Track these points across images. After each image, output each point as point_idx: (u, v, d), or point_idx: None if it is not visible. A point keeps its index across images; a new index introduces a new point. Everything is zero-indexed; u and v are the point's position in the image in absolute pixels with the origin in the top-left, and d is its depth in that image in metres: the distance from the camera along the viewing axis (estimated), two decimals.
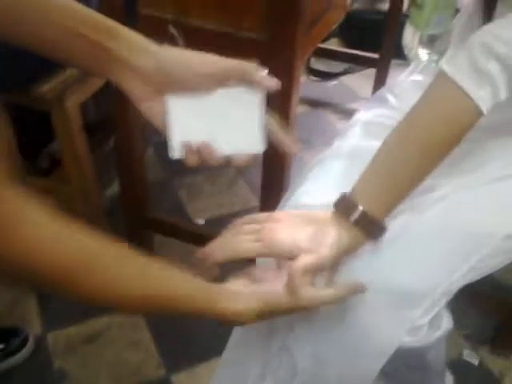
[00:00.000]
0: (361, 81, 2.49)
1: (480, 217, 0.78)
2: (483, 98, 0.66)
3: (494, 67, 0.66)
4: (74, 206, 1.51)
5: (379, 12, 2.61)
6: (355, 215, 0.69)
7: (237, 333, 0.91)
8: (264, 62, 1.07)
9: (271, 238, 0.68)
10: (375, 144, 0.91)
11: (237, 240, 0.70)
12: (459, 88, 0.66)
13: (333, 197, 0.83)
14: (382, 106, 1.01)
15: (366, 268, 0.73)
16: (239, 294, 0.65)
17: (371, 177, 0.72)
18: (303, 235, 0.69)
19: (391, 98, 1.02)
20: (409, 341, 0.74)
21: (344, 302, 0.72)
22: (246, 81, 0.66)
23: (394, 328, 0.73)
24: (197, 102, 0.65)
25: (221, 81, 0.65)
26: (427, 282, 0.74)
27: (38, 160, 1.70)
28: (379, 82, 2.08)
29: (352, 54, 2.35)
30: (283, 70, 1.02)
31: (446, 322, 0.79)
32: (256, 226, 0.71)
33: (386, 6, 2.46)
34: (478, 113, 0.67)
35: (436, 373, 0.89)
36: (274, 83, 0.66)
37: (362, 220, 0.69)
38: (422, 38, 0.99)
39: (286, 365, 0.81)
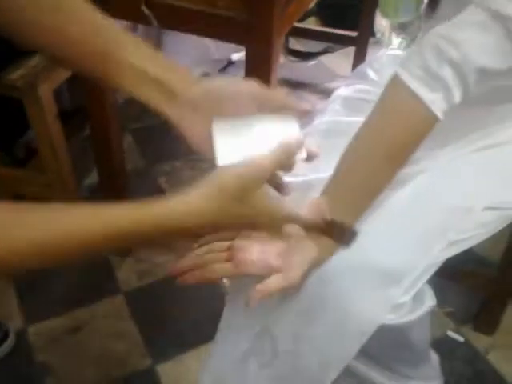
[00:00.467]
0: (340, 60, 2.47)
1: (458, 189, 0.78)
2: (436, 102, 0.66)
3: (446, 71, 0.66)
4: (50, 195, 1.48)
5: None
6: (324, 225, 0.68)
7: (226, 314, 0.90)
8: (241, 41, 1.06)
9: (241, 258, 0.68)
10: (356, 119, 0.91)
11: (208, 259, 0.68)
12: (412, 92, 0.67)
13: (311, 174, 0.82)
14: (361, 82, 1.01)
15: (345, 249, 0.72)
16: (186, 191, 0.57)
17: (337, 184, 0.72)
18: (273, 252, 0.68)
19: (371, 73, 1.02)
20: (391, 318, 0.73)
21: (323, 282, 0.72)
22: (283, 107, 0.67)
23: (375, 306, 0.73)
24: (240, 126, 0.67)
25: (261, 105, 0.66)
26: (407, 259, 0.73)
27: (14, 150, 1.67)
28: (358, 61, 2.07)
29: (330, 33, 2.34)
30: (261, 48, 1.01)
31: (429, 299, 0.79)
32: (225, 244, 0.70)
33: None
34: (433, 117, 0.67)
35: (420, 351, 0.89)
36: (308, 107, 0.68)
37: (331, 229, 0.69)
38: (393, 25, 0.98)
39: (268, 346, 0.81)
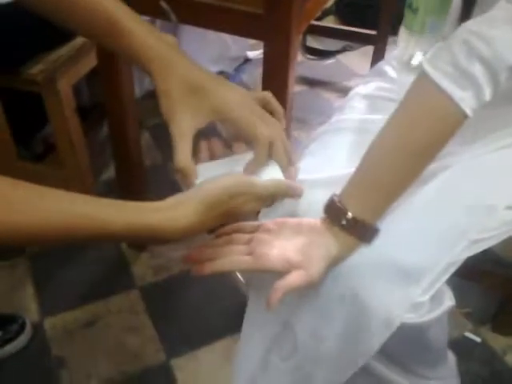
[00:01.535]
0: (358, 58, 2.46)
1: (481, 188, 0.77)
2: (466, 99, 0.64)
3: (477, 68, 0.64)
4: (68, 190, 1.48)
5: None
6: (345, 222, 0.68)
7: (249, 311, 0.90)
8: (259, 37, 1.05)
9: (261, 253, 0.67)
10: (376, 117, 0.90)
11: (227, 251, 0.68)
12: (441, 89, 0.65)
13: (330, 171, 0.81)
14: (380, 80, 1.00)
15: (365, 246, 0.71)
16: (171, 203, 0.62)
17: (359, 181, 0.71)
18: (293, 248, 0.68)
19: (390, 70, 1.00)
20: (410, 317, 0.72)
21: (342, 278, 0.71)
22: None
23: (394, 305, 0.71)
24: (224, 164, 0.72)
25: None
26: (427, 258, 0.72)
27: (32, 144, 1.68)
28: (377, 60, 2.05)
29: (349, 32, 2.31)
30: (279, 45, 1.00)
31: (448, 299, 0.78)
32: (246, 236, 0.70)
33: None
34: (462, 114, 0.65)
35: (438, 351, 0.88)
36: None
37: (353, 226, 0.68)
38: (417, 41, 0.95)
39: (289, 340, 0.80)
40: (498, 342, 1.36)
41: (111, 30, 0.70)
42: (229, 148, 0.75)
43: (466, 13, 0.81)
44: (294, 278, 0.66)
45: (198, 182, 0.68)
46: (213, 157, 0.74)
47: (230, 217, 0.65)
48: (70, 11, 0.71)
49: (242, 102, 0.72)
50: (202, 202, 0.61)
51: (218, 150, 0.74)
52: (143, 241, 0.62)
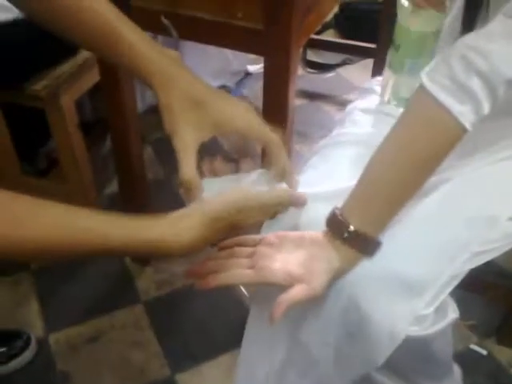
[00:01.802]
0: (358, 71, 2.47)
1: (482, 200, 0.77)
2: (465, 114, 0.65)
3: (475, 83, 0.64)
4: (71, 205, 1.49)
5: (374, 2, 2.59)
6: (347, 235, 0.69)
7: (250, 327, 0.90)
8: (260, 52, 1.06)
9: (263, 266, 0.68)
10: (374, 131, 0.91)
11: (229, 265, 0.68)
12: (439, 104, 0.65)
13: (332, 184, 0.82)
14: (374, 95, 1.01)
15: (367, 259, 0.72)
16: (174, 218, 0.62)
17: (360, 195, 0.71)
18: (295, 262, 0.68)
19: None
20: (414, 330, 0.72)
21: (345, 292, 0.72)
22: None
23: (398, 318, 0.71)
24: (228, 183, 0.72)
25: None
26: (430, 270, 0.72)
27: (36, 160, 1.69)
28: (377, 72, 2.06)
29: (348, 45, 2.33)
30: (279, 59, 1.01)
31: (452, 311, 0.78)
32: (249, 250, 0.71)
33: None
34: (461, 128, 0.66)
35: (443, 364, 0.88)
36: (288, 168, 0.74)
37: (355, 239, 0.69)
38: (397, 80, 0.95)
39: (302, 356, 0.81)
40: (503, 354, 1.36)
41: (113, 43, 0.71)
42: (233, 163, 0.75)
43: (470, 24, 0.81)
44: (297, 292, 0.66)
45: (202, 196, 0.68)
46: (216, 175, 0.74)
47: (233, 230, 0.66)
48: (73, 23, 0.72)
49: (245, 114, 0.72)
50: (206, 215, 0.61)
51: (222, 169, 0.74)
52: (148, 255, 0.62)
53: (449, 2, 0.85)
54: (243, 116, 0.72)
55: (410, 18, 0.88)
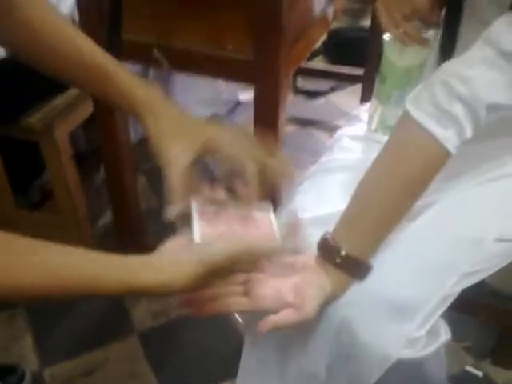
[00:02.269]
0: (348, 97, 2.50)
1: (468, 222, 0.78)
2: (448, 138, 0.67)
3: (457, 108, 0.66)
4: (66, 237, 1.50)
5: (362, 29, 2.65)
6: (339, 259, 0.70)
7: (249, 358, 0.90)
8: (250, 81, 1.08)
9: (257, 294, 0.68)
10: (362, 156, 0.93)
11: (225, 292, 0.68)
12: (423, 129, 0.67)
13: (322, 209, 0.83)
14: (363, 122, 1.03)
15: (359, 283, 0.72)
16: (169, 262, 0.60)
17: (350, 219, 0.72)
18: (287, 287, 0.69)
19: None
20: (407, 352, 0.73)
21: (337, 316, 0.72)
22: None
23: (389, 341, 0.72)
24: (223, 223, 0.71)
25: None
26: (420, 293, 0.73)
27: (30, 193, 1.70)
28: (365, 97, 2.10)
29: (337, 72, 2.38)
30: (269, 88, 1.04)
31: (444, 333, 0.78)
32: (241, 277, 0.70)
33: (368, 23, 2.50)
34: (445, 152, 0.67)
35: None
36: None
37: (346, 263, 0.70)
38: (383, 111, 0.97)
39: (296, 380, 0.81)
40: (499, 375, 1.35)
41: (99, 77, 0.73)
42: (231, 192, 0.75)
43: (446, 57, 0.84)
44: (285, 316, 0.67)
45: (197, 235, 0.68)
46: (214, 202, 0.74)
47: (228, 278, 0.66)
48: (59, 61, 0.75)
49: (231, 138, 0.73)
50: (202, 266, 0.60)
51: (220, 195, 0.74)
52: (140, 296, 0.61)
53: (432, 37, 0.88)
54: (228, 141, 0.73)
55: (395, 54, 0.90)
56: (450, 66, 0.69)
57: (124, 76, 0.73)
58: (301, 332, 0.77)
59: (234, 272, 0.64)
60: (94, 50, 0.75)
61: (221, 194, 0.74)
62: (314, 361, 0.78)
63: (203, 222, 0.69)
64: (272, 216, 0.75)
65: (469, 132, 0.67)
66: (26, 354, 1.42)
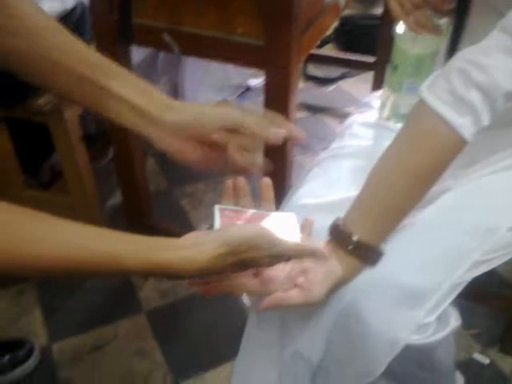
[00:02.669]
0: (359, 84, 2.49)
1: (483, 210, 0.78)
2: (464, 125, 0.66)
3: (474, 96, 0.66)
4: (75, 217, 1.51)
5: (373, 17, 2.63)
6: (350, 245, 0.70)
7: (249, 340, 0.90)
8: (260, 67, 1.09)
9: (268, 276, 0.68)
10: (373, 143, 0.93)
11: (235, 275, 0.69)
12: (440, 117, 0.67)
13: (332, 195, 0.83)
14: (374, 109, 1.03)
15: (370, 268, 0.73)
16: (190, 241, 0.60)
17: (362, 205, 0.72)
18: (297, 270, 0.69)
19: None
20: (417, 338, 0.73)
21: (346, 301, 0.73)
22: (254, 135, 0.70)
23: (398, 327, 0.73)
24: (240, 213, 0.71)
25: (232, 131, 0.69)
26: (431, 280, 0.73)
27: (39, 173, 1.71)
28: (377, 85, 2.10)
29: (348, 59, 2.36)
30: (279, 74, 1.03)
31: (454, 320, 0.79)
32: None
33: (379, 11, 2.49)
34: (461, 140, 0.67)
35: (445, 372, 0.87)
36: (279, 135, 0.70)
37: (358, 249, 0.70)
38: (395, 100, 0.96)
39: (303, 368, 0.81)
40: (506, 363, 1.36)
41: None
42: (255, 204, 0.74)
43: (454, 46, 0.84)
44: (294, 297, 0.68)
45: (216, 226, 0.68)
46: (238, 196, 0.73)
47: (244, 268, 0.65)
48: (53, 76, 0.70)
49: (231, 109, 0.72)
50: (222, 246, 0.59)
51: (244, 190, 0.73)
52: (156, 276, 0.60)
53: (445, 25, 0.88)
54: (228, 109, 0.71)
55: (406, 42, 0.90)
56: (467, 53, 0.68)
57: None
58: (304, 315, 0.78)
59: (250, 260, 0.62)
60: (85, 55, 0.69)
61: (244, 188, 0.74)
62: (311, 345, 0.79)
63: (225, 219, 0.69)
64: (295, 224, 0.73)
65: (485, 120, 0.67)
66: (34, 328, 1.44)
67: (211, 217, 0.70)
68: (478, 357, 1.37)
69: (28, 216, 0.53)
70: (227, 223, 0.68)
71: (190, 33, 1.07)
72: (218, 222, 0.68)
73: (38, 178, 1.70)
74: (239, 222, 0.69)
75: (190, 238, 0.62)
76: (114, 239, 0.57)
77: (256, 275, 0.68)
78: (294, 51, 1.01)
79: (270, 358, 0.86)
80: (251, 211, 0.72)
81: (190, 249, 0.59)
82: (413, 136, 0.71)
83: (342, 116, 2.28)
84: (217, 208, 0.70)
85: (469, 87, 0.66)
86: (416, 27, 0.87)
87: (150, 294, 1.54)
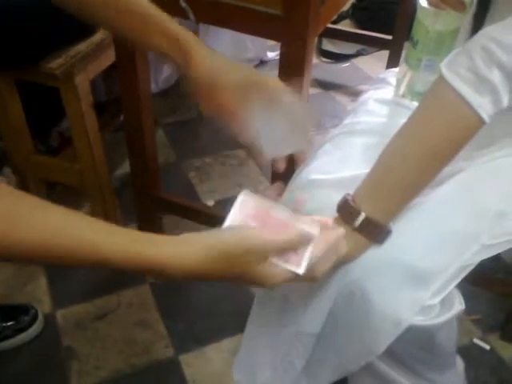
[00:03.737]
0: (373, 62, 2.46)
1: (494, 193, 0.77)
2: (483, 105, 0.65)
3: (496, 75, 0.64)
4: (83, 184, 1.51)
5: None
6: (358, 222, 0.69)
7: (255, 311, 0.91)
8: (276, 38, 1.06)
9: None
10: (388, 121, 0.91)
11: None
12: (459, 95, 0.65)
13: (343, 172, 0.82)
14: (388, 86, 1.01)
15: (377, 247, 0.72)
16: (182, 238, 0.58)
17: (373, 182, 0.71)
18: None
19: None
20: (420, 319, 0.73)
21: (351, 279, 0.72)
22: (272, 99, 0.72)
23: (403, 307, 0.72)
24: (264, 208, 0.67)
25: (246, 92, 0.71)
26: (438, 262, 0.73)
27: (49, 138, 1.70)
28: (392, 64, 2.06)
29: (364, 36, 2.32)
30: (296, 46, 1.01)
31: (458, 303, 0.78)
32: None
33: None
34: (479, 120, 0.65)
35: (447, 355, 0.88)
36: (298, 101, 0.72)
37: (366, 226, 0.69)
38: (413, 77, 0.94)
39: (306, 343, 0.81)
40: (506, 349, 1.36)
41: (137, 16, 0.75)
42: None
43: (478, 23, 0.81)
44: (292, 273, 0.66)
45: (226, 223, 0.65)
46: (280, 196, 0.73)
47: (241, 279, 0.62)
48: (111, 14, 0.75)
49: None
50: (214, 246, 0.58)
51: (273, 195, 0.72)
52: (137, 273, 0.59)
53: (469, 2, 0.85)
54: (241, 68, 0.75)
55: (429, 18, 0.88)
56: (492, 31, 0.66)
57: (165, 17, 0.75)
58: (306, 293, 0.77)
59: (246, 267, 0.60)
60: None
61: (275, 195, 0.72)
62: (312, 322, 0.79)
63: (239, 214, 0.65)
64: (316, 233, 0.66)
65: (505, 101, 0.65)
66: (39, 295, 1.45)
67: (229, 202, 0.65)
68: (479, 342, 1.37)
69: (17, 198, 0.52)
70: (238, 219, 0.64)
71: (208, 0, 1.05)
72: (231, 213, 0.65)
73: (47, 143, 1.70)
74: (253, 224, 0.64)
75: (183, 235, 0.59)
76: (96, 228, 0.55)
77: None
78: (311, 23, 0.99)
79: (276, 334, 0.86)
80: (276, 215, 0.66)
81: (181, 244, 0.57)
82: (430, 110, 0.69)
83: (355, 94, 2.25)
84: (240, 196, 0.66)
85: (491, 66, 0.64)
86: (439, 2, 0.85)
87: None
